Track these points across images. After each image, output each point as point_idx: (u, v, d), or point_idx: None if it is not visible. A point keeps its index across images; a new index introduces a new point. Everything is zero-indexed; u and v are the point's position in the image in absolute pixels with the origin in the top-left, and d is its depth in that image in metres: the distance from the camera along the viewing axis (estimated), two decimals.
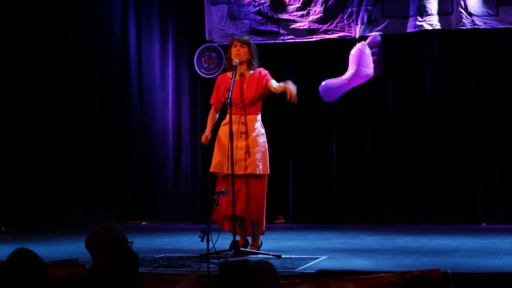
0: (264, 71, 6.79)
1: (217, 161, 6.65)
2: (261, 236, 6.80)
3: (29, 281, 3.59)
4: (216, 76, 7.18)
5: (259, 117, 6.75)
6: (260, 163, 6.61)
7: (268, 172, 6.71)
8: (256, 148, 6.62)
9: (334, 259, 6.28)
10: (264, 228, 6.80)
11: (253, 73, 6.76)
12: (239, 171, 6.52)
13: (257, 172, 6.59)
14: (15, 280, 3.54)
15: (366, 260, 6.13)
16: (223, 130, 6.64)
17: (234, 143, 6.44)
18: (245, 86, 6.70)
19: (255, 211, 6.64)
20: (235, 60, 6.70)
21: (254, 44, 6.91)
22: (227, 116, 6.54)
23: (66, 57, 9.80)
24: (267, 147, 6.71)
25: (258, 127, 6.70)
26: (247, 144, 6.61)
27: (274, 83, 6.72)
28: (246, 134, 6.63)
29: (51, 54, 9.70)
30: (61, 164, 9.71)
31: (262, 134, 6.72)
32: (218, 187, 6.56)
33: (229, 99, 6.44)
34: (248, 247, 6.70)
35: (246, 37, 6.96)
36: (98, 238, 3.87)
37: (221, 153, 6.61)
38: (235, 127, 6.53)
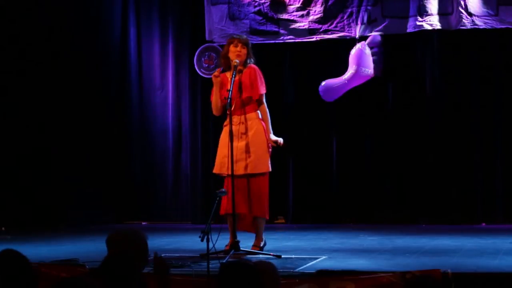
0: (255, 72, 6.69)
1: (219, 162, 6.65)
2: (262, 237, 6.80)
3: (16, 282, 3.58)
4: None
5: (258, 113, 6.73)
6: (260, 162, 6.60)
7: (269, 170, 6.69)
8: (255, 147, 6.61)
9: (334, 259, 6.28)
10: (267, 215, 6.77)
11: (245, 70, 6.71)
12: (239, 171, 6.51)
13: (257, 171, 6.59)
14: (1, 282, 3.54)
15: (366, 260, 6.14)
16: (225, 131, 6.63)
17: (235, 144, 6.43)
18: (241, 85, 6.67)
19: (257, 207, 6.62)
20: (235, 60, 6.67)
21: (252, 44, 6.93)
22: (228, 117, 6.54)
23: (66, 57, 9.80)
24: (267, 144, 6.69)
25: (257, 124, 6.68)
26: (246, 143, 6.60)
27: (262, 111, 6.73)
28: (246, 134, 6.62)
29: (51, 54, 9.70)
30: (61, 164, 9.70)
31: (261, 131, 6.69)
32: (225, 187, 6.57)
33: (229, 99, 6.43)
34: (251, 247, 6.69)
35: (245, 37, 6.95)
36: (121, 235, 3.88)
37: (222, 154, 6.62)
38: (235, 128, 6.52)
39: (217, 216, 6.49)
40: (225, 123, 6.67)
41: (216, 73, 6.70)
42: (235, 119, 6.57)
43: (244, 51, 6.71)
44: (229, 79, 6.60)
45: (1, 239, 8.25)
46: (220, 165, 6.63)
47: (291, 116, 9.65)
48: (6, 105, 9.57)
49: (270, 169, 6.69)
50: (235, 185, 6.41)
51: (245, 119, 6.64)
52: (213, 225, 5.77)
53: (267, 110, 6.77)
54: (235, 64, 6.64)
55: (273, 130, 6.85)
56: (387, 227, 8.85)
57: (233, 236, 6.54)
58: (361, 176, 9.55)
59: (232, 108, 6.52)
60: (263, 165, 6.62)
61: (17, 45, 9.59)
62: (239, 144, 6.56)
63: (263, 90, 6.74)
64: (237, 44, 6.72)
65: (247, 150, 6.57)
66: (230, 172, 6.39)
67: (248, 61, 6.74)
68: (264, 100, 6.79)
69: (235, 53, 6.69)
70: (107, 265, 3.50)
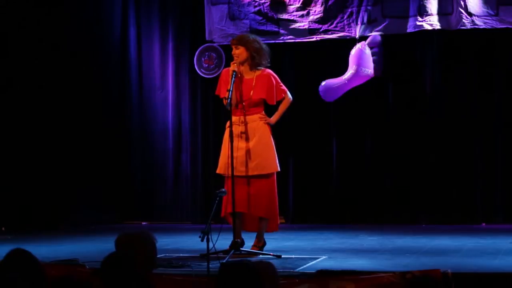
0: (269, 78, 6.68)
1: (222, 163, 6.66)
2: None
3: (25, 281, 3.58)
4: (216, 76, 7.12)
5: (262, 114, 6.73)
6: (268, 163, 6.60)
7: (278, 169, 6.69)
8: (260, 148, 6.59)
9: (334, 259, 6.29)
10: (277, 224, 6.79)
11: (261, 73, 6.69)
12: (240, 172, 6.50)
13: (265, 172, 6.57)
14: (11, 280, 3.54)
15: (366, 260, 6.14)
16: (226, 132, 6.61)
17: (235, 144, 6.42)
18: (252, 87, 6.64)
19: (256, 207, 6.61)
20: (233, 70, 6.58)
21: (257, 37, 6.84)
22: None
23: (66, 57, 9.80)
24: (272, 143, 6.68)
25: (260, 126, 6.66)
26: (249, 145, 6.58)
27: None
28: (247, 134, 6.61)
29: (51, 54, 9.70)
30: (61, 164, 9.70)
31: (266, 131, 6.68)
32: (226, 188, 6.56)
33: (229, 99, 6.42)
34: (251, 247, 6.69)
35: (244, 35, 6.92)
36: (130, 237, 3.89)
37: (224, 155, 6.62)
38: (236, 128, 6.52)
39: (217, 216, 6.50)
40: (227, 124, 6.65)
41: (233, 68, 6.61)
42: (236, 119, 6.57)
43: (239, 50, 6.66)
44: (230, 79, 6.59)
45: (1, 239, 8.26)
46: (224, 165, 6.62)
47: (291, 116, 9.64)
48: (6, 105, 9.56)
49: (279, 169, 6.71)
50: (235, 184, 6.41)
51: (246, 120, 6.61)
52: (213, 225, 5.77)
53: (289, 101, 6.88)
54: (233, 69, 6.60)
55: (273, 130, 6.84)
56: (387, 227, 8.85)
57: (234, 236, 6.54)
58: (361, 176, 9.55)
59: (237, 107, 6.54)
60: (271, 166, 6.62)
61: (17, 46, 9.58)
62: (240, 145, 6.54)
63: (281, 95, 6.80)
64: (232, 47, 6.73)
65: (250, 152, 6.54)
66: (230, 173, 6.39)
67: (256, 60, 6.64)
68: (287, 95, 6.87)
69: (234, 56, 6.70)
70: (107, 265, 3.50)
